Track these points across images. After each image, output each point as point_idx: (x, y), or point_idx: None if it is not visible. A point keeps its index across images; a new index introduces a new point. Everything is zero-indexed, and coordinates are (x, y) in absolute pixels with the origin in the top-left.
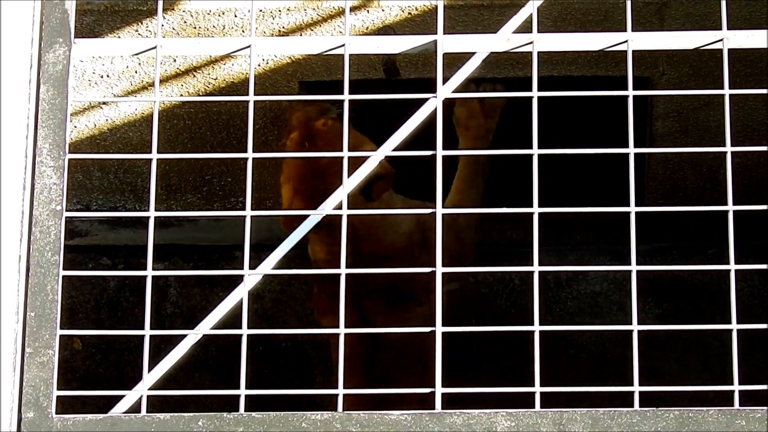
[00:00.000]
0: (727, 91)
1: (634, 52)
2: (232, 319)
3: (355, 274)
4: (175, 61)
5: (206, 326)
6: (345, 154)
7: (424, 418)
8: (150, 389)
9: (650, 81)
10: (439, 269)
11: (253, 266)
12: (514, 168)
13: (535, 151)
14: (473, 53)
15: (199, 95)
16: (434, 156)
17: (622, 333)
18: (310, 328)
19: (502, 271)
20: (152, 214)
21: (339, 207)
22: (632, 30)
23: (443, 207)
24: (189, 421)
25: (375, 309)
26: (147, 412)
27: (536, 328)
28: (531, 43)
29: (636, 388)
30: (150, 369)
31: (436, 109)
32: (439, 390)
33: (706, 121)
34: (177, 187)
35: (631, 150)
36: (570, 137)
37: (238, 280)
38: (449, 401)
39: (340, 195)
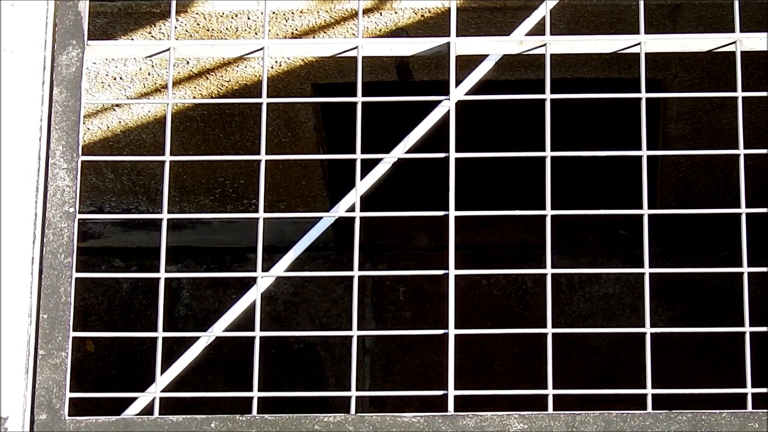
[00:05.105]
0: (740, 94)
1: (646, 54)
2: (245, 321)
3: None
4: (188, 63)
5: (219, 328)
6: (358, 156)
7: (437, 421)
8: (162, 391)
9: (663, 83)
10: (452, 271)
11: (265, 268)
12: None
13: (548, 153)
14: (486, 55)
15: (212, 97)
16: (447, 158)
17: (635, 335)
18: (322, 330)
19: (515, 273)
20: (165, 216)
21: (351, 209)
22: (645, 32)
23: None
24: (201, 423)
25: None
26: (159, 414)
27: (549, 330)
28: (544, 45)
29: (649, 390)
30: (163, 371)
31: (449, 111)
32: (452, 392)
33: (719, 124)
34: (190, 189)
35: (644, 152)
36: (583, 140)
37: (251, 282)
38: (462, 403)
39: (353, 197)
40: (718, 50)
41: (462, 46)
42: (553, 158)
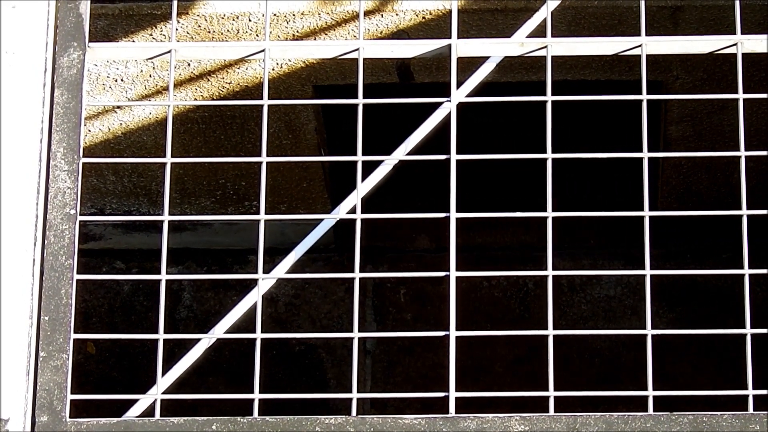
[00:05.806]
0: (741, 96)
1: (648, 56)
2: (246, 323)
3: None
4: (189, 65)
5: (220, 330)
6: (359, 158)
7: (438, 422)
8: (163, 393)
9: (664, 85)
10: (453, 273)
11: (266, 270)
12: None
13: (549, 155)
14: (487, 57)
15: (213, 99)
16: (448, 160)
17: (636, 337)
18: (323, 332)
19: (516, 275)
20: (166, 217)
21: (353, 211)
22: (646, 34)
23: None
24: (203, 425)
25: None
26: (161, 415)
27: (550, 332)
28: (545, 47)
29: (650, 392)
30: (164, 373)
31: (450, 113)
32: (453, 394)
33: (720, 126)
34: (191, 191)
35: (645, 154)
36: (584, 141)
37: (252, 283)
38: (463, 405)
39: (354, 199)
40: (719, 52)
41: (463, 47)
42: (554, 160)
